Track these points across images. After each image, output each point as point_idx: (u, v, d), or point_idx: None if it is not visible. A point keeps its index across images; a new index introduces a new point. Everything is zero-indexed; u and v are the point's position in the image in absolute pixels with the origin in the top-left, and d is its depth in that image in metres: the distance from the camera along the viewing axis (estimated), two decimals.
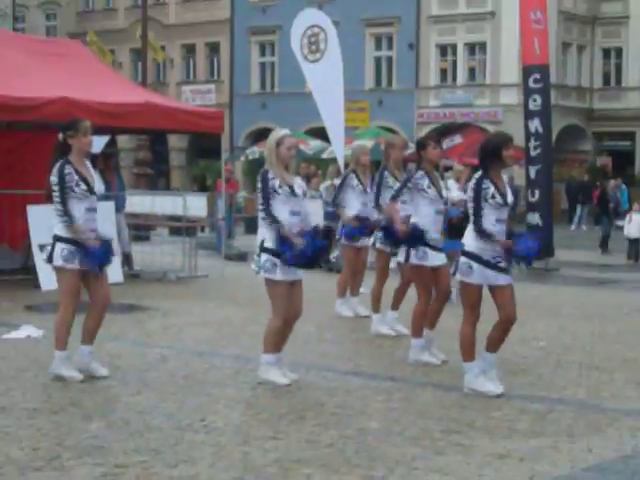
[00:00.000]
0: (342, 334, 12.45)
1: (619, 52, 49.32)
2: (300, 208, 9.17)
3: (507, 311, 8.82)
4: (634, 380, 9.76)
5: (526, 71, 23.25)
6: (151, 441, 7.06)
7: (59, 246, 9.03)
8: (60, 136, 9.32)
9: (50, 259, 9.11)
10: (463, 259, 8.88)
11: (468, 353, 8.90)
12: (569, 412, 8.30)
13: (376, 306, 12.29)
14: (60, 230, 9.09)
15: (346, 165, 19.27)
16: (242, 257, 22.27)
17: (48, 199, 9.34)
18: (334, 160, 21.84)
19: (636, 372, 10.20)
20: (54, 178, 9.07)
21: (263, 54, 54.34)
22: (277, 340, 9.11)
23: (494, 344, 8.93)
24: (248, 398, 8.65)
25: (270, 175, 9.03)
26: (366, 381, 9.45)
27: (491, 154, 8.94)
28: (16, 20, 53.54)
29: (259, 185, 9.09)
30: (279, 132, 9.34)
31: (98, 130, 19.16)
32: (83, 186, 9.14)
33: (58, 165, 9.10)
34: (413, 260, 10.34)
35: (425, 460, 6.73)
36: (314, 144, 40.12)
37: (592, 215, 41.18)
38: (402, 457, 6.79)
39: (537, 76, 22.73)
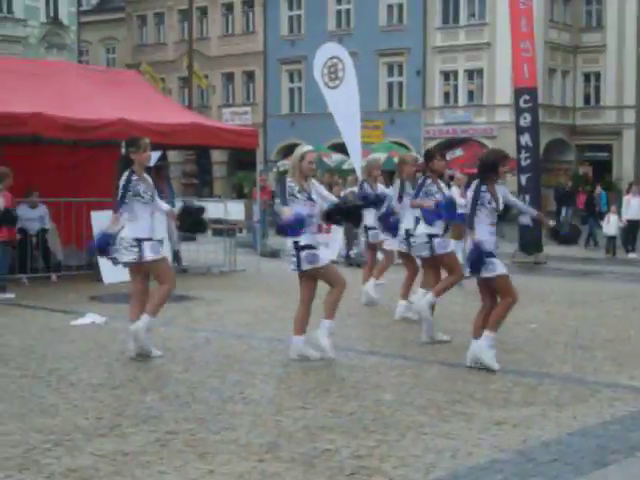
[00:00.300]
0: (362, 320, 12.45)
1: (598, 76, 49.22)
2: (316, 211, 9.30)
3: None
4: (612, 357, 9.72)
5: (517, 93, 23.26)
6: (197, 411, 7.08)
7: (146, 244, 9.08)
8: (123, 151, 9.34)
9: (142, 257, 9.10)
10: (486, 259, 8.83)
11: (495, 325, 8.86)
12: (556, 385, 8.27)
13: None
14: (141, 233, 9.13)
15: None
16: (274, 254, 22.31)
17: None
18: (353, 171, 21.82)
19: (614, 350, 10.15)
20: (121, 183, 9.12)
21: (292, 80, 54.37)
22: (336, 307, 9.30)
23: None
24: (280, 374, 8.66)
25: (290, 182, 9.19)
26: (381, 359, 9.44)
27: (490, 168, 8.96)
28: (81, 54, 53.78)
29: (279, 188, 9.31)
30: (303, 148, 9.50)
31: (151, 146, 19.32)
32: (149, 193, 9.20)
33: (127, 174, 9.13)
34: (440, 250, 10.56)
35: (432, 427, 6.72)
36: (335, 157, 40.04)
37: (577, 216, 41.06)
38: (412, 424, 6.78)
39: (527, 97, 22.73)
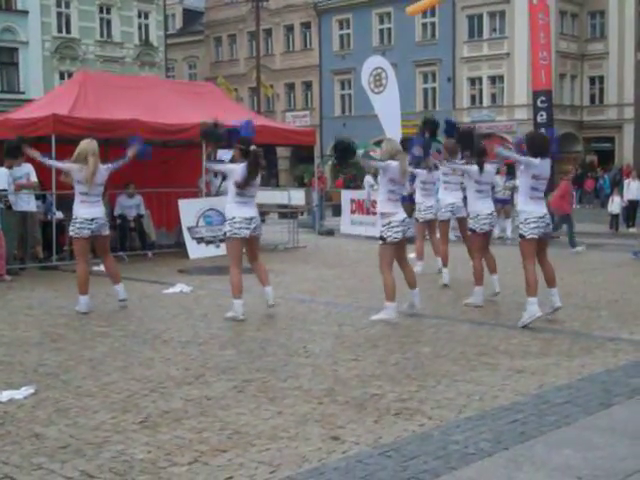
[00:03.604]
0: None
1: (601, 79, 48.55)
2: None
3: None
4: (615, 316, 9.61)
5: (535, 94, 23.13)
6: (268, 363, 7.11)
7: (254, 221, 9.37)
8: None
9: (256, 230, 9.41)
10: None
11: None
12: (568, 339, 8.19)
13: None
14: (253, 213, 9.40)
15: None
16: (330, 233, 22.29)
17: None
18: None
19: (617, 310, 10.04)
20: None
21: (343, 88, 54.14)
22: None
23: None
24: (336, 332, 8.65)
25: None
26: (420, 319, 9.41)
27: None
28: (168, 70, 54.03)
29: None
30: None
31: (228, 145, 19.39)
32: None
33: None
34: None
35: (463, 374, 6.69)
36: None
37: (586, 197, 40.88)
38: (447, 372, 6.76)
39: (543, 98, 22.61)
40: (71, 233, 9.92)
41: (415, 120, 46.62)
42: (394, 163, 9.13)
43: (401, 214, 9.17)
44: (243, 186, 9.18)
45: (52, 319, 9.42)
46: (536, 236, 8.90)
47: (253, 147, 9.36)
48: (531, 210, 8.87)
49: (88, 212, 9.77)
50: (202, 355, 7.45)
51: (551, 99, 23.05)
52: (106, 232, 10.05)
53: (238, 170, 9.24)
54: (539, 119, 22.66)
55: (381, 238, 9.16)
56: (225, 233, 9.42)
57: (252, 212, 9.34)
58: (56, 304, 10.45)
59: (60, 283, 12.55)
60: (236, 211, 9.26)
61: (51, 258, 14.48)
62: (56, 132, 14.34)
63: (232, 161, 9.58)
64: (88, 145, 9.86)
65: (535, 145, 8.94)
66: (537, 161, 8.83)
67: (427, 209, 13.05)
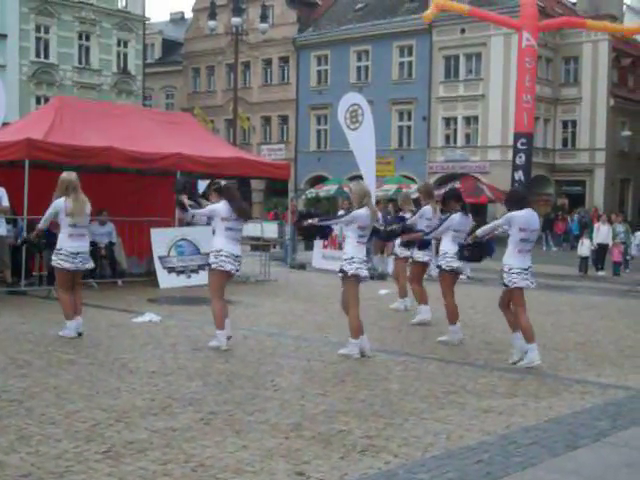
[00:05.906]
0: (372, 323, 12.38)
1: (574, 123, 49.15)
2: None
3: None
4: (582, 358, 9.66)
5: (516, 136, 23.36)
6: (235, 396, 7.06)
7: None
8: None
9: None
10: None
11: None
12: (535, 380, 8.21)
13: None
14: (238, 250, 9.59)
15: (377, 202, 19.40)
16: (302, 267, 22.27)
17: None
18: None
19: (584, 352, 10.09)
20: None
21: (319, 123, 54.40)
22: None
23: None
24: (304, 366, 8.61)
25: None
26: (389, 356, 9.40)
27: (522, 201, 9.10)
28: (145, 99, 54.12)
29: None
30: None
31: (202, 176, 19.41)
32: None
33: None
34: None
35: (431, 413, 6.68)
36: None
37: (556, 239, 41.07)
38: (414, 410, 6.74)
39: (523, 140, 22.91)
40: (57, 265, 9.90)
41: (389, 157, 47.21)
42: (362, 211, 9.09)
43: (363, 255, 9.18)
44: (244, 218, 9.59)
45: (18, 345, 9.30)
46: (521, 285, 9.02)
47: (223, 182, 9.51)
48: (513, 263, 8.93)
49: (74, 245, 9.94)
50: (169, 386, 7.38)
51: (531, 142, 23.34)
52: (89, 266, 10.28)
53: (220, 208, 9.40)
54: (518, 161, 22.90)
55: (341, 271, 9.13)
56: (210, 264, 9.45)
57: (239, 250, 9.51)
58: (23, 330, 10.33)
59: (28, 309, 12.42)
60: (224, 245, 9.37)
61: (20, 283, 14.33)
62: (30, 157, 14.26)
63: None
64: (70, 177, 10.07)
65: (513, 201, 9.07)
66: (520, 213, 8.88)
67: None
